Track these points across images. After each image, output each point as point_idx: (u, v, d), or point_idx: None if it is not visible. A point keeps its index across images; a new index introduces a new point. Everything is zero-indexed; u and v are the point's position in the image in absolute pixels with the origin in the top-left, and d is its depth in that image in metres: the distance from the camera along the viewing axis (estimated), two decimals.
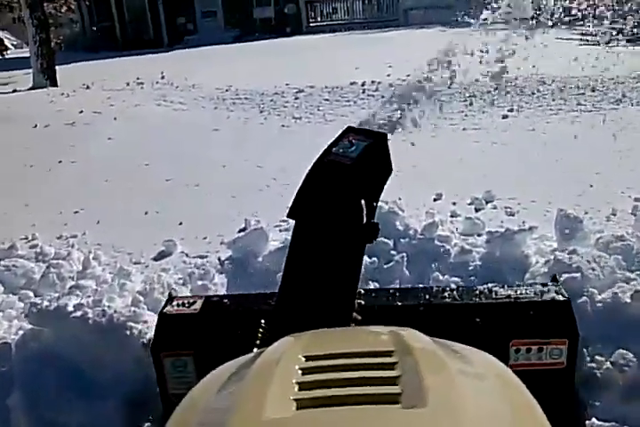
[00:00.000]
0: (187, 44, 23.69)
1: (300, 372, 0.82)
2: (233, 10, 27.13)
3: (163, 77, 13.48)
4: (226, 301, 2.58)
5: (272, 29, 25.57)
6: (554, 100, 8.89)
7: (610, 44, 15.98)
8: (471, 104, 9.00)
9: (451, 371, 0.82)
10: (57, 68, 14.48)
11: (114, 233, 5.10)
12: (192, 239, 4.84)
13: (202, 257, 4.52)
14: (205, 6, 27.58)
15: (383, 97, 9.96)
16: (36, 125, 8.80)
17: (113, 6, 26.83)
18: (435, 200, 5.41)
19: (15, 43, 30.23)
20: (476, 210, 5.10)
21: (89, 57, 20.29)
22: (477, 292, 2.47)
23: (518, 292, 2.43)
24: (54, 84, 13.45)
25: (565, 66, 11.59)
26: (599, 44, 16.32)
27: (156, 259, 4.62)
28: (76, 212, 5.65)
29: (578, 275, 3.26)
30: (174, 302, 2.51)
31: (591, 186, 5.45)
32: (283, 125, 8.39)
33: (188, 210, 5.49)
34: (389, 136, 1.99)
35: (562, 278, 3.04)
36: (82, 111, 9.39)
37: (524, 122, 7.79)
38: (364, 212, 1.74)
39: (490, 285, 2.53)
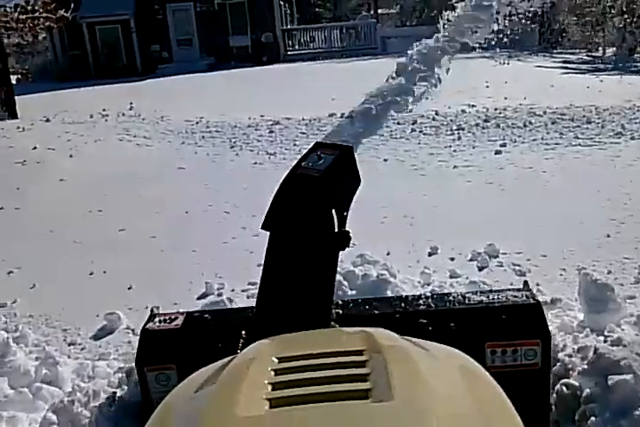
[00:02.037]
0: (161, 73, 23.05)
1: (272, 373, 0.87)
2: (209, 38, 26.66)
3: (131, 108, 12.72)
4: (207, 316, 2.60)
5: (249, 58, 25.08)
6: (548, 133, 8.25)
7: (595, 73, 15.62)
8: (459, 138, 8.33)
9: (418, 366, 0.87)
10: (20, 98, 13.65)
11: (50, 301, 4.28)
12: (141, 309, 3.99)
13: None
14: (181, 34, 27.07)
15: (362, 131, 9.28)
16: None
17: (85, 34, 26.16)
18: (430, 255, 4.66)
19: None
20: (480, 268, 4.35)
21: (59, 86, 19.51)
22: (451, 298, 2.52)
23: (490, 297, 2.49)
24: (13, 116, 12.61)
25: (553, 96, 11.05)
26: (584, 73, 15.95)
27: (95, 337, 3.79)
28: (10, 272, 4.81)
29: (630, 377, 2.50)
30: (156, 319, 2.53)
31: (608, 236, 4.75)
32: (255, 162, 7.64)
33: (141, 269, 4.68)
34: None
35: (610, 382, 2.45)
36: (35, 147, 8.56)
37: (520, 158, 7.12)
38: (335, 221, 1.83)
39: (463, 291, 2.66)
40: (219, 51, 25.96)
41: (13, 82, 24.12)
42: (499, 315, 2.39)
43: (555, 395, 2.58)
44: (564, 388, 2.60)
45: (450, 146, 7.99)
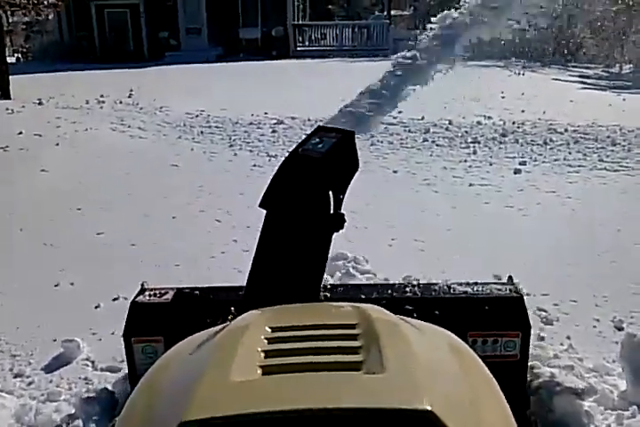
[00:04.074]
0: (167, 60, 22.47)
1: (265, 341, 0.91)
2: (218, 28, 26.12)
3: (130, 96, 12.13)
4: (197, 292, 2.58)
5: (258, 51, 24.55)
6: (570, 152, 7.69)
7: (615, 90, 15.05)
8: (475, 152, 7.76)
9: (409, 341, 0.93)
10: (19, 77, 13.06)
11: (4, 317, 3.72)
12: (106, 336, 3.44)
13: (112, 370, 3.13)
14: (190, 22, 26.52)
15: (373, 136, 8.72)
16: None
17: (93, 16, 25.58)
18: None
19: None
20: None
21: (63, 67, 18.87)
22: (437, 288, 2.55)
23: (475, 289, 2.53)
24: (6, 96, 11.98)
25: (574, 112, 10.50)
26: (604, 89, 15.39)
27: (48, 368, 3.22)
28: None
29: None
30: (146, 293, 2.55)
31: None
32: (254, 165, 7.06)
33: (114, 283, 4.10)
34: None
35: None
36: (21, 133, 7.97)
37: (542, 180, 6.55)
38: (332, 203, 1.87)
39: (449, 281, 2.60)
40: (228, 42, 25.44)
41: (13, 60, 23.56)
42: (482, 306, 2.43)
43: None
44: None
45: (465, 160, 7.42)
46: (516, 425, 1.05)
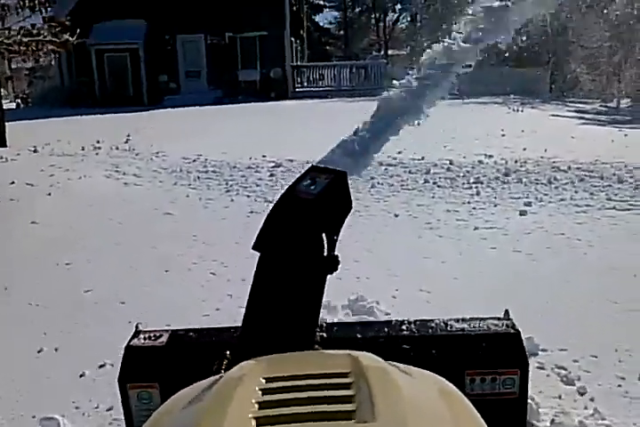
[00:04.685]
0: (167, 103, 22.57)
1: (260, 392, 0.89)
2: (218, 71, 26.41)
3: (127, 141, 12.05)
4: (192, 334, 2.55)
5: (256, 93, 24.74)
6: (576, 191, 7.48)
7: (615, 125, 14.97)
8: (478, 193, 7.57)
9: (400, 389, 0.90)
10: (16, 124, 13.04)
11: None
12: (90, 411, 3.17)
13: None
14: (190, 65, 26.82)
15: (373, 178, 8.55)
16: None
17: (93, 61, 25.87)
18: None
19: None
20: None
21: (62, 113, 18.92)
22: (433, 325, 2.51)
23: (472, 325, 2.49)
24: (2, 144, 11.91)
25: (576, 149, 10.35)
26: (603, 125, 15.31)
27: None
28: None
29: None
30: (140, 336, 2.49)
31: None
32: (251, 211, 6.85)
33: (101, 347, 3.83)
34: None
35: None
36: (13, 182, 7.80)
37: (549, 221, 6.32)
38: (325, 244, 1.84)
39: (445, 318, 2.56)
40: (227, 84, 25.66)
41: (13, 106, 23.68)
42: (479, 343, 2.40)
43: None
44: None
45: (468, 202, 7.21)
46: None
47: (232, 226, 6.34)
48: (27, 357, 3.77)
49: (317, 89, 25.50)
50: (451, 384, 1.04)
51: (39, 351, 3.84)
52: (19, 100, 24.51)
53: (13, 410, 3.22)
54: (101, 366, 3.60)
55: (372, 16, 41.76)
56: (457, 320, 2.56)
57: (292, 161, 9.61)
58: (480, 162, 9.32)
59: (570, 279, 4.74)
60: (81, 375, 3.54)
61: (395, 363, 1.05)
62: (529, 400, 2.70)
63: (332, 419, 0.81)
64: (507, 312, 2.63)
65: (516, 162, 9.22)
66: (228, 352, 1.87)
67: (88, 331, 4.08)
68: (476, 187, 7.85)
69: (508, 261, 5.17)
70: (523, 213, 6.65)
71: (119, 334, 3.90)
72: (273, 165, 9.47)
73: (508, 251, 5.46)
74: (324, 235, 1.86)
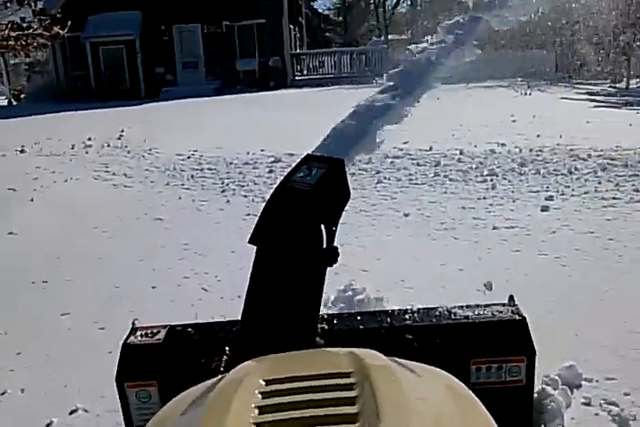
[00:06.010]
0: (164, 96, 22.04)
1: (259, 396, 0.85)
2: (215, 61, 25.88)
3: (120, 137, 11.51)
4: (190, 330, 2.45)
5: (255, 82, 24.19)
6: (600, 182, 6.92)
7: (630, 107, 14.33)
8: (494, 187, 7.00)
9: (405, 389, 0.86)
10: (7, 122, 12.54)
11: None
12: None
13: None
14: (187, 56, 26.28)
15: (379, 172, 8.00)
16: None
17: (89, 54, 25.30)
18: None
19: None
20: None
21: (57, 108, 18.37)
22: (437, 313, 2.45)
23: (476, 312, 2.43)
24: None
25: (593, 134, 9.74)
26: (618, 107, 14.66)
27: None
28: None
29: None
30: (137, 333, 2.41)
31: None
32: (248, 214, 6.30)
33: (74, 388, 3.33)
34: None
35: None
36: None
37: (574, 218, 5.76)
38: (324, 236, 1.80)
39: (449, 306, 2.49)
40: (225, 74, 25.16)
41: (4, 103, 23.15)
42: (484, 331, 2.35)
43: None
44: None
45: (484, 197, 6.65)
46: None
47: (227, 231, 5.81)
48: None
49: (317, 77, 24.95)
50: (458, 381, 0.98)
51: (2, 394, 3.33)
52: (10, 97, 23.95)
53: None
54: (72, 412, 3.11)
55: (372, 1, 40.95)
56: (461, 307, 2.48)
57: (291, 155, 9.04)
58: (492, 151, 8.75)
59: (606, 289, 4.19)
60: (48, 425, 3.03)
61: (399, 359, 1.00)
62: None
63: (336, 423, 0.78)
64: (511, 297, 2.53)
65: (531, 150, 8.64)
66: (227, 348, 1.83)
67: (60, 366, 3.55)
68: (491, 180, 7.29)
69: (534, 267, 4.62)
70: (544, 209, 6.09)
71: (96, 371, 3.40)
72: (272, 160, 8.93)
73: (533, 254, 4.91)
74: (322, 226, 1.80)
